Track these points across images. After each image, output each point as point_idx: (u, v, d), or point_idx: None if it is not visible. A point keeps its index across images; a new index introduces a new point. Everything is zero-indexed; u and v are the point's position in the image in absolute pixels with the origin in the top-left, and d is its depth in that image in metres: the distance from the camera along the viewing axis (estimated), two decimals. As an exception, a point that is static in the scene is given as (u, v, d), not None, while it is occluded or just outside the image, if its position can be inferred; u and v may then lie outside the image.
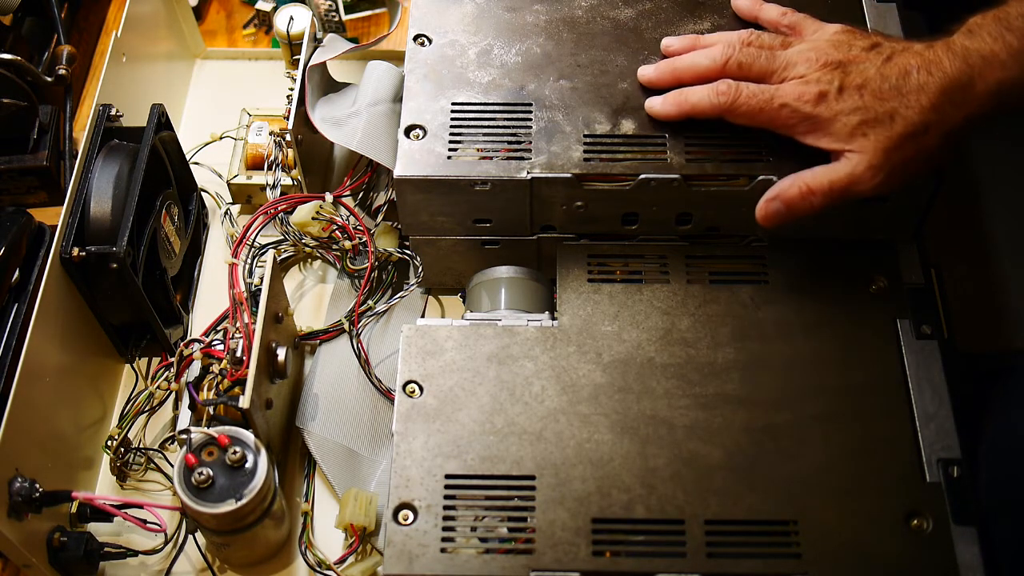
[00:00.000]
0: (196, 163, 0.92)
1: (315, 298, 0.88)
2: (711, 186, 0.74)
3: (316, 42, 0.88)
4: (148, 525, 0.73)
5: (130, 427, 0.79)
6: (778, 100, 0.70)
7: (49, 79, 0.86)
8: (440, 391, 0.71)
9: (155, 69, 0.94)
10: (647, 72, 0.76)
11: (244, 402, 0.69)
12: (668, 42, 0.78)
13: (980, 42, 0.67)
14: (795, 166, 0.73)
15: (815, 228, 0.76)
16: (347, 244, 0.84)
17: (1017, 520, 0.69)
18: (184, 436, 0.69)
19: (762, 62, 0.72)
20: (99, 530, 0.75)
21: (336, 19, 0.99)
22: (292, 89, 0.85)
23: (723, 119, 0.73)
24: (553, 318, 0.75)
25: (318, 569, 0.74)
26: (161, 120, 0.80)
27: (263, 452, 0.69)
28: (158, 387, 0.80)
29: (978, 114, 0.68)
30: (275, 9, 0.99)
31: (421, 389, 0.71)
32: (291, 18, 0.93)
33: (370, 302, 0.84)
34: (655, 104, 0.75)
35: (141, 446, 0.80)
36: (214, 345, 0.77)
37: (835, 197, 0.69)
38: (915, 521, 0.66)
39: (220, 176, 0.92)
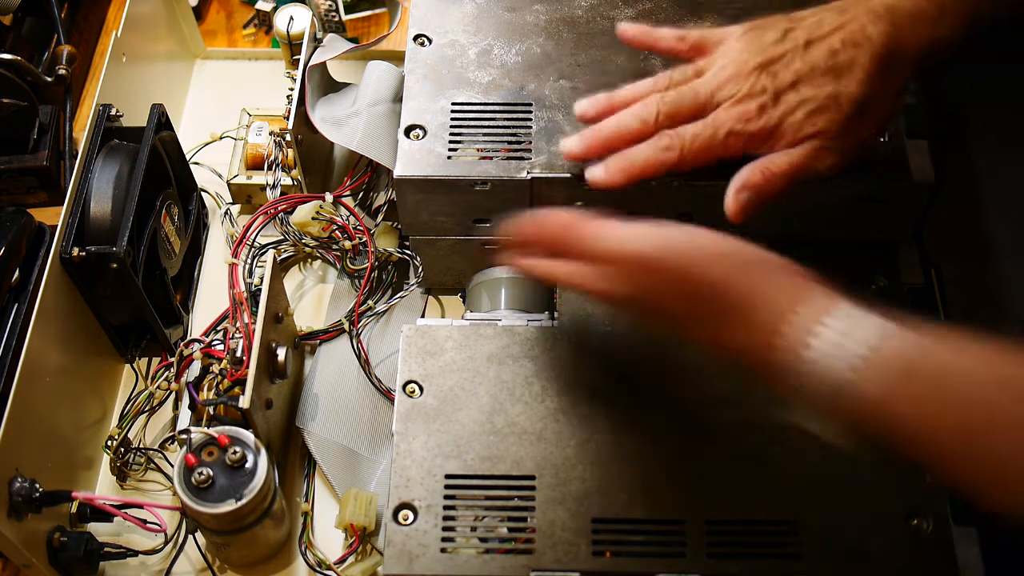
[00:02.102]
0: (196, 163, 0.92)
1: (315, 298, 0.88)
2: (711, 186, 0.74)
3: (316, 42, 0.88)
4: (148, 525, 0.73)
5: (130, 427, 0.79)
6: (722, 131, 0.67)
7: (49, 79, 0.86)
8: (440, 391, 0.71)
9: (155, 69, 0.94)
10: (571, 146, 0.70)
11: (244, 402, 0.69)
12: (583, 109, 0.71)
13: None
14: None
15: (815, 228, 0.76)
16: (347, 244, 0.84)
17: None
18: (184, 436, 0.69)
19: (688, 101, 0.68)
20: (99, 530, 0.75)
21: (336, 19, 0.99)
22: (292, 89, 0.85)
23: (673, 173, 0.70)
24: (553, 318, 0.75)
25: (318, 569, 0.74)
26: (161, 120, 0.80)
27: (263, 452, 0.69)
28: (158, 387, 0.80)
29: (917, 72, 0.66)
30: (275, 9, 0.99)
31: (421, 389, 0.71)
32: (291, 18, 0.93)
33: (370, 302, 0.84)
34: (597, 174, 0.69)
35: (141, 446, 0.80)
36: (214, 345, 0.77)
37: (796, 178, 0.68)
38: (915, 521, 0.66)
39: (220, 176, 0.91)
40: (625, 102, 0.70)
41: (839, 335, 0.54)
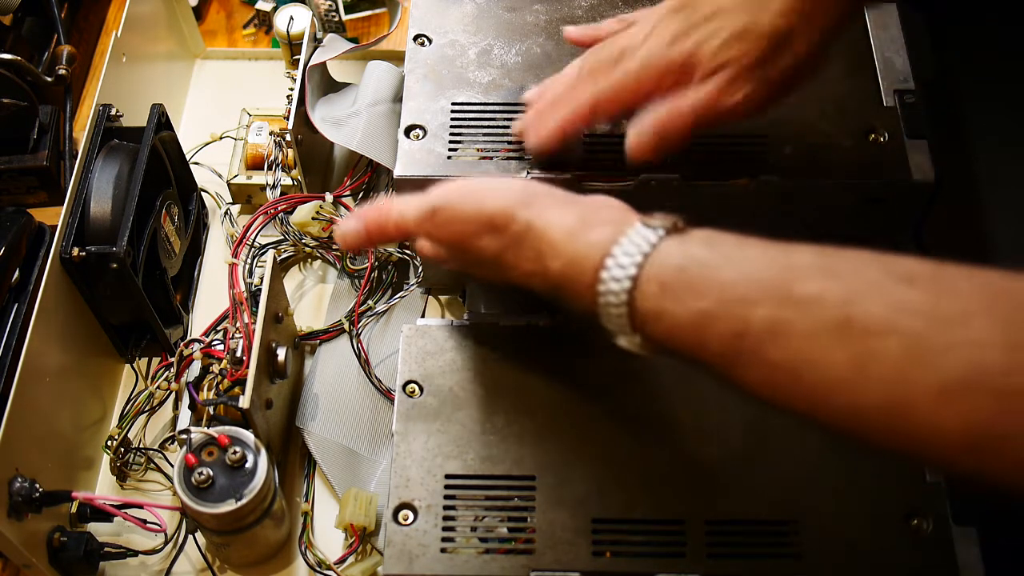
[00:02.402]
0: (196, 163, 0.92)
1: (315, 298, 0.88)
2: (711, 186, 0.74)
3: (316, 42, 0.88)
4: (148, 525, 0.73)
5: (130, 427, 0.79)
6: (632, 68, 0.66)
7: (49, 79, 0.86)
8: (440, 391, 0.71)
9: (155, 69, 0.94)
10: (519, 127, 0.72)
11: (244, 402, 0.69)
12: (528, 95, 0.73)
13: None
14: (795, 166, 0.73)
15: (815, 228, 0.76)
16: (347, 244, 0.84)
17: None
18: (184, 436, 0.69)
19: (607, 54, 0.67)
20: (99, 530, 0.75)
21: (336, 19, 0.99)
22: (292, 89, 0.85)
23: (599, 122, 0.69)
24: (553, 318, 0.74)
25: (318, 569, 0.74)
26: (161, 120, 0.80)
27: (263, 452, 0.69)
28: (158, 387, 0.80)
29: (832, 21, 0.64)
30: (275, 9, 0.99)
31: (421, 389, 0.71)
32: (291, 18, 0.93)
33: (370, 302, 0.84)
34: (531, 142, 0.71)
35: (141, 446, 0.80)
36: (214, 345, 0.77)
37: (707, 113, 0.66)
38: (915, 521, 0.66)
39: (220, 176, 0.92)
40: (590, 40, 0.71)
41: (624, 254, 0.55)
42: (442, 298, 0.87)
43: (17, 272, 0.75)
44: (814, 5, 0.63)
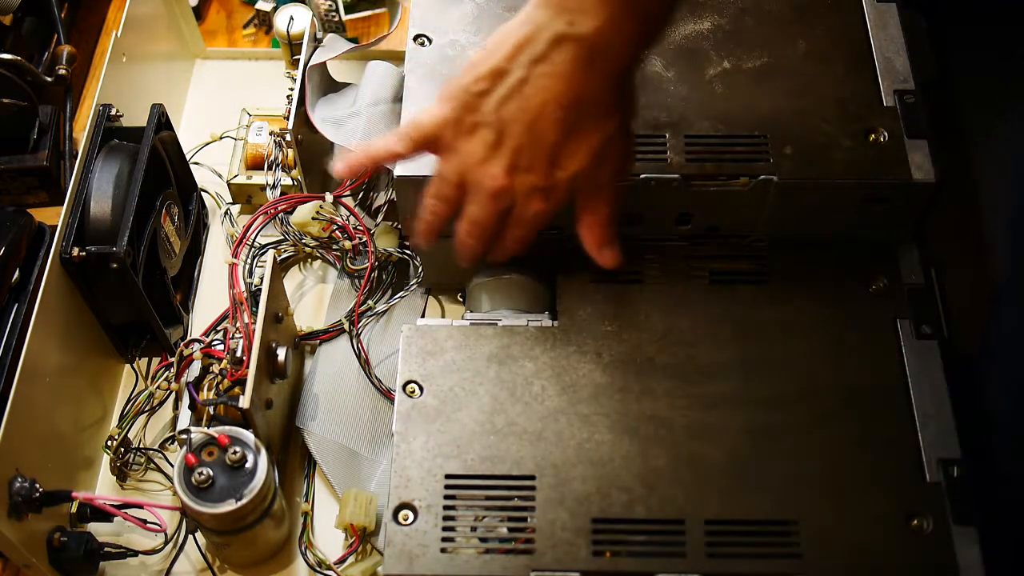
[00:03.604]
0: (196, 163, 0.92)
1: (315, 298, 0.88)
2: (711, 186, 0.74)
3: (316, 42, 0.88)
4: (148, 525, 0.73)
5: (130, 427, 0.79)
6: (527, 224, 0.68)
7: (49, 79, 0.86)
8: (440, 391, 0.71)
9: (155, 69, 0.94)
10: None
11: (244, 402, 0.69)
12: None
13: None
14: (795, 166, 0.73)
15: (815, 228, 0.76)
16: (347, 244, 0.84)
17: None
18: (184, 436, 0.69)
19: (443, 200, 0.69)
20: (99, 530, 0.75)
21: (336, 19, 0.99)
22: (292, 89, 0.85)
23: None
24: (553, 318, 0.75)
25: (318, 569, 0.74)
26: (161, 120, 0.80)
27: (263, 452, 0.69)
28: (158, 387, 0.80)
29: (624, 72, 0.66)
30: (275, 9, 0.99)
31: (421, 389, 0.71)
32: (291, 18, 0.93)
33: (370, 302, 0.84)
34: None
35: (141, 446, 0.80)
36: (214, 345, 0.77)
37: (618, 205, 0.69)
38: (915, 521, 0.66)
39: (220, 176, 0.92)
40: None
41: None
42: (442, 298, 0.87)
43: (17, 272, 0.75)
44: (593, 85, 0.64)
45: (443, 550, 0.65)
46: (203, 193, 0.91)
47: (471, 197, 0.67)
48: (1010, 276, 0.74)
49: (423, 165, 0.75)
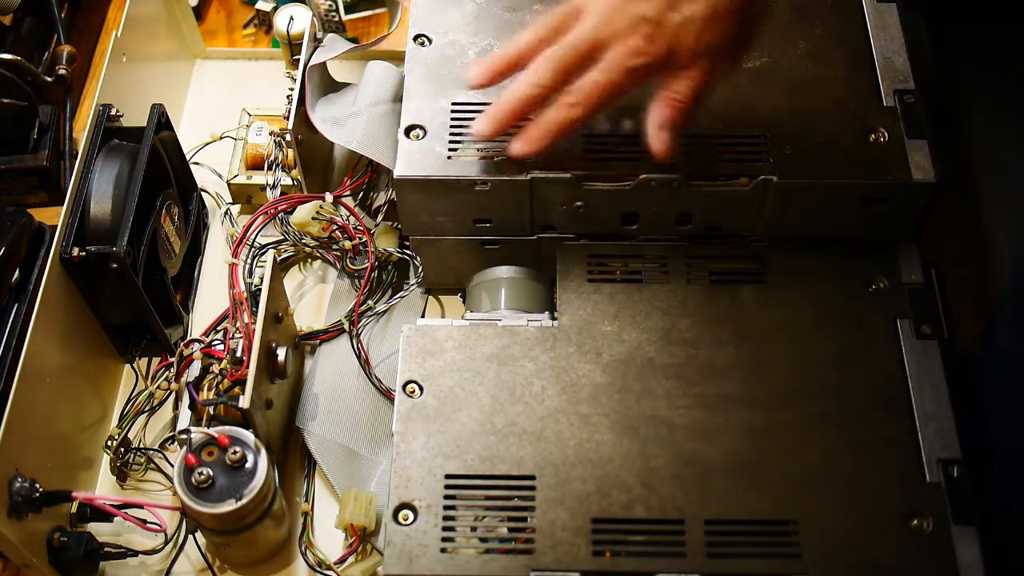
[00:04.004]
0: (196, 163, 0.92)
1: (315, 298, 0.88)
2: (711, 186, 0.74)
3: (316, 42, 0.88)
4: (148, 525, 0.73)
5: (130, 427, 0.79)
6: (617, 72, 0.66)
7: (49, 79, 0.86)
8: (440, 391, 0.71)
9: (155, 69, 0.94)
10: (480, 128, 0.71)
11: (244, 402, 0.69)
12: (475, 77, 0.71)
13: None
14: (795, 166, 0.73)
15: (815, 228, 0.77)
16: (347, 244, 0.84)
17: None
18: (184, 436, 0.69)
19: (573, 54, 0.67)
20: (99, 530, 0.75)
21: (336, 19, 0.99)
22: (292, 89, 0.85)
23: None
24: (553, 318, 0.75)
25: (318, 569, 0.74)
26: (161, 120, 0.80)
27: (263, 452, 0.69)
28: (158, 387, 0.80)
29: None
30: (275, 9, 0.99)
31: (421, 389, 0.71)
32: (291, 18, 0.93)
33: (370, 302, 0.84)
34: (518, 148, 0.70)
35: (141, 446, 0.80)
36: (214, 345, 0.77)
37: (701, 97, 0.68)
38: (915, 521, 0.66)
39: (220, 176, 0.92)
40: (512, 62, 0.70)
41: None
42: (442, 298, 0.87)
43: (17, 272, 0.75)
44: None
45: (443, 550, 0.65)
46: (203, 193, 0.91)
47: (603, 54, 0.67)
48: (1010, 276, 0.74)
49: (423, 165, 0.75)
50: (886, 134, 0.75)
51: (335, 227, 0.84)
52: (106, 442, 0.79)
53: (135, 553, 0.74)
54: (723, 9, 0.66)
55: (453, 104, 0.78)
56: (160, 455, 0.80)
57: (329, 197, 0.84)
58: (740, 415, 0.69)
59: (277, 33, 0.94)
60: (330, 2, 0.98)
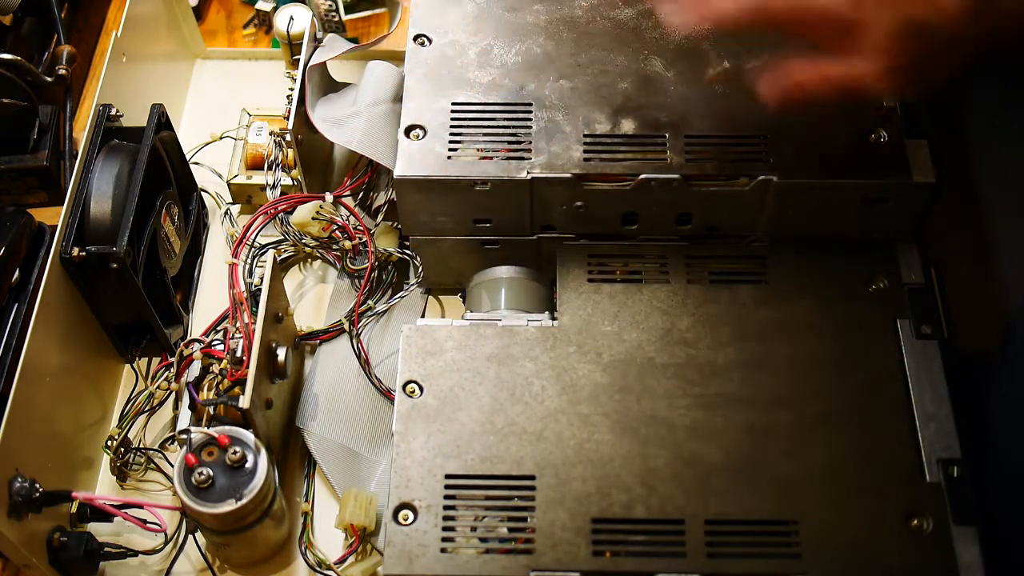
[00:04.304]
0: (196, 163, 0.92)
1: (315, 298, 0.88)
2: (711, 186, 0.74)
3: (316, 42, 0.88)
4: (148, 525, 0.73)
5: (130, 427, 0.79)
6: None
7: (49, 79, 0.86)
8: (440, 391, 0.71)
9: (155, 69, 0.94)
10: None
11: (244, 402, 0.69)
12: None
13: None
14: (795, 166, 0.73)
15: (815, 228, 0.77)
16: (347, 244, 0.84)
17: None
18: (184, 436, 0.69)
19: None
20: (99, 530, 0.75)
21: (336, 19, 0.99)
22: (292, 89, 0.85)
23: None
24: (553, 318, 0.75)
25: (318, 569, 0.74)
26: (161, 120, 0.80)
27: (263, 452, 0.69)
28: (158, 387, 0.80)
29: (1003, 26, 0.63)
30: (275, 9, 0.99)
31: (421, 389, 0.71)
32: (291, 18, 0.93)
33: (370, 302, 0.84)
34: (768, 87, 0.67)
35: (141, 446, 0.80)
36: (214, 345, 0.77)
37: (851, 90, 0.65)
38: (915, 521, 0.66)
39: (220, 176, 0.92)
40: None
41: None
42: (442, 298, 0.87)
43: (17, 272, 0.75)
44: (976, 16, 0.62)
45: (443, 550, 0.65)
46: (203, 193, 0.91)
47: None
48: (1010, 276, 0.74)
49: (423, 165, 0.75)
50: (886, 134, 0.75)
51: (335, 227, 0.84)
52: (106, 442, 0.79)
53: (135, 553, 0.74)
54: (930, 29, 0.63)
55: (453, 104, 0.78)
56: (160, 455, 0.80)
57: (329, 197, 0.84)
58: (740, 415, 0.69)
59: (277, 33, 0.94)
60: (330, 2, 0.98)
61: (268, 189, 0.87)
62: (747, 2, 0.65)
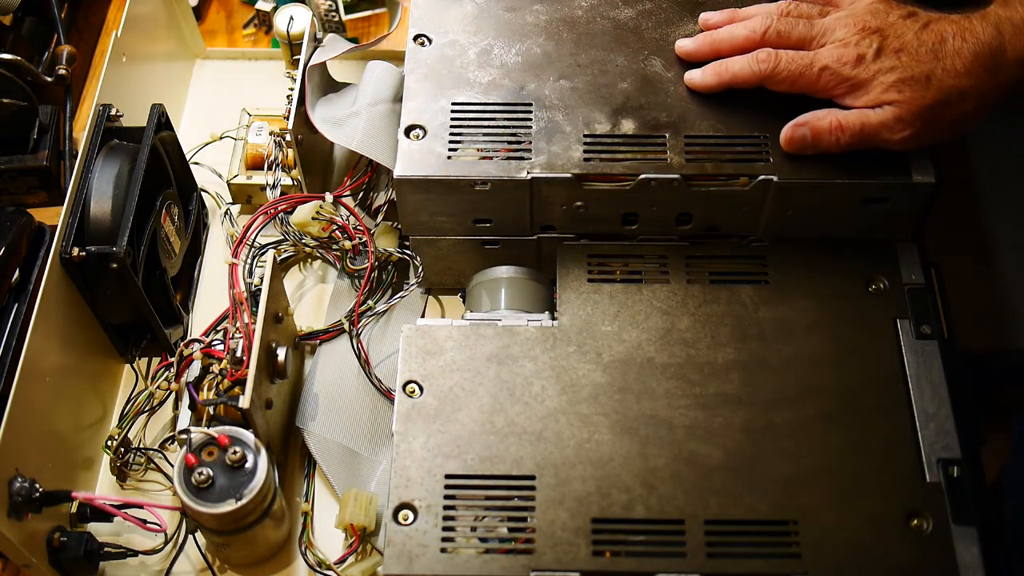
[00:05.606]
0: (196, 163, 0.92)
1: (315, 298, 0.88)
2: (711, 186, 0.74)
3: (316, 42, 0.88)
4: (148, 525, 0.73)
5: (130, 427, 0.79)
6: (818, 64, 0.71)
7: (49, 79, 0.86)
8: (440, 391, 0.71)
9: (155, 69, 0.94)
10: (685, 45, 0.78)
11: (244, 402, 0.69)
12: (707, 16, 0.79)
13: (1013, 11, 0.69)
14: (795, 166, 0.73)
15: (815, 228, 0.77)
16: (347, 244, 0.84)
17: None
18: (184, 436, 0.69)
19: (800, 30, 0.73)
20: (99, 530, 0.75)
21: (336, 19, 0.99)
22: (292, 89, 0.85)
23: (763, 88, 0.74)
24: (553, 318, 0.75)
25: (318, 569, 0.74)
26: (161, 120, 0.80)
27: (263, 452, 0.69)
28: (158, 387, 0.80)
29: (1010, 82, 0.69)
30: (275, 9, 0.99)
31: (421, 389, 0.71)
32: (291, 18, 0.93)
33: (370, 302, 0.84)
34: (695, 76, 0.76)
35: (141, 446, 0.80)
36: (214, 345, 0.77)
37: (862, 139, 0.71)
38: (915, 521, 0.66)
39: (220, 176, 0.92)
40: (745, 17, 0.76)
41: None
42: (442, 298, 0.87)
43: (17, 272, 0.75)
44: (987, 71, 0.69)
45: (443, 550, 0.65)
46: (203, 193, 0.91)
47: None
48: (1010, 276, 0.74)
49: (423, 165, 0.75)
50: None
51: (335, 227, 0.84)
52: (106, 442, 0.79)
53: (135, 553, 0.74)
54: (935, 83, 0.69)
55: (453, 104, 0.78)
56: (160, 455, 0.80)
57: (329, 197, 0.84)
58: (740, 415, 0.69)
59: (277, 33, 0.94)
60: (330, 2, 0.98)
61: (268, 189, 0.87)
62: (762, 69, 0.73)
